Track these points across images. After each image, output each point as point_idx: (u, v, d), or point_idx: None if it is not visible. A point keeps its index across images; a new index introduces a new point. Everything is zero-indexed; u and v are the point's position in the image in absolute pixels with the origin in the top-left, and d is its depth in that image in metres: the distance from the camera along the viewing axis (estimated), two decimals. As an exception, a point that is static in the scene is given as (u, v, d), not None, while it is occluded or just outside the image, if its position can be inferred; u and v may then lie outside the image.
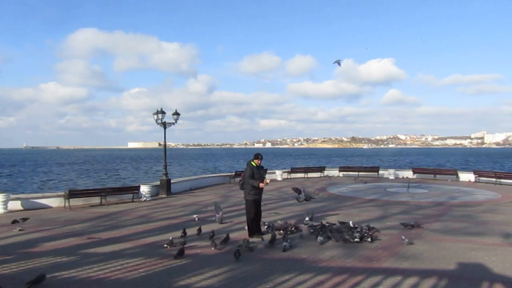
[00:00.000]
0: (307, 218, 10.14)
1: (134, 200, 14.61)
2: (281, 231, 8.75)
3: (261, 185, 8.47)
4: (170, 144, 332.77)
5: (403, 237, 7.93)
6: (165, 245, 7.64)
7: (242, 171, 9.03)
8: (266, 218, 10.37)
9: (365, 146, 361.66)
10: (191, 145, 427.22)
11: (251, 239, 8.10)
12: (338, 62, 13.88)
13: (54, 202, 13.31)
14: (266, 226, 9.18)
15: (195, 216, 10.80)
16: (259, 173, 8.61)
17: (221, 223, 10.03)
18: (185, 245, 7.46)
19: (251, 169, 8.59)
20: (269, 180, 8.81)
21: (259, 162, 8.73)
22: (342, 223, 9.24)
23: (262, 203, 9.07)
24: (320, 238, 8.00)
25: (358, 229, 8.57)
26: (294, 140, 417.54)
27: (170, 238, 7.85)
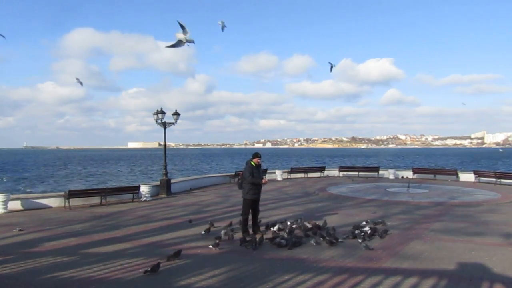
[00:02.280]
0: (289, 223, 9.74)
1: (134, 200, 14.61)
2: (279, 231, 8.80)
3: (263, 180, 8.61)
4: (170, 144, 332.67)
5: (360, 241, 7.69)
6: (210, 246, 7.51)
7: (242, 171, 9.06)
8: (265, 218, 10.38)
9: (364, 146, 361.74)
10: (191, 145, 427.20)
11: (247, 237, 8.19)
12: (331, 67, 14.08)
13: (54, 202, 13.30)
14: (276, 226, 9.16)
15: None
16: (258, 172, 8.66)
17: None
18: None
19: (251, 168, 8.63)
20: (266, 180, 8.87)
21: (258, 161, 8.76)
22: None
23: (261, 203, 9.12)
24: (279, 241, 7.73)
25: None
26: (294, 140, 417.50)
27: (217, 241, 7.71)
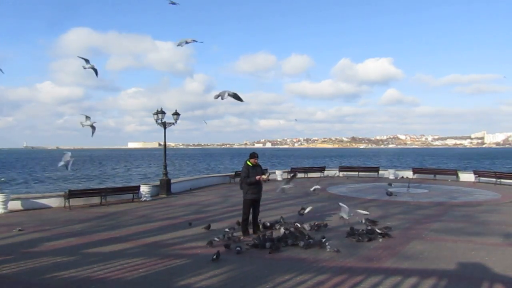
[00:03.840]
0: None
1: (134, 200, 14.60)
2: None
3: (257, 177, 8.49)
4: (170, 144, 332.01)
5: (327, 244, 7.40)
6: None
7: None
8: (265, 218, 10.38)
9: (362, 146, 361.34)
10: (191, 145, 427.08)
11: (244, 238, 8.26)
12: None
13: (54, 202, 13.30)
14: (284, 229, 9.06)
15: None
16: (255, 172, 8.62)
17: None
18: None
19: (247, 168, 8.64)
20: (265, 176, 8.64)
21: (255, 161, 8.75)
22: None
23: (261, 203, 9.11)
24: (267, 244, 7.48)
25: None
26: (294, 140, 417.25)
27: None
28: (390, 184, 17.80)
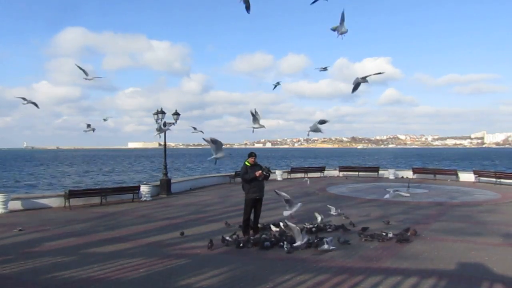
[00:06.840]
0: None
1: (134, 200, 14.60)
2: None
3: (257, 173, 8.44)
4: (170, 144, 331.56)
5: (284, 245, 7.37)
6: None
7: None
8: (264, 218, 10.38)
9: (360, 146, 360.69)
10: (191, 145, 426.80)
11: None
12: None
13: (54, 202, 13.29)
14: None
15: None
16: (253, 171, 8.60)
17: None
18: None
19: (245, 168, 8.65)
20: (261, 172, 8.50)
21: (253, 160, 8.75)
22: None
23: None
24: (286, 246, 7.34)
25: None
26: (294, 140, 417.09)
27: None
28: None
